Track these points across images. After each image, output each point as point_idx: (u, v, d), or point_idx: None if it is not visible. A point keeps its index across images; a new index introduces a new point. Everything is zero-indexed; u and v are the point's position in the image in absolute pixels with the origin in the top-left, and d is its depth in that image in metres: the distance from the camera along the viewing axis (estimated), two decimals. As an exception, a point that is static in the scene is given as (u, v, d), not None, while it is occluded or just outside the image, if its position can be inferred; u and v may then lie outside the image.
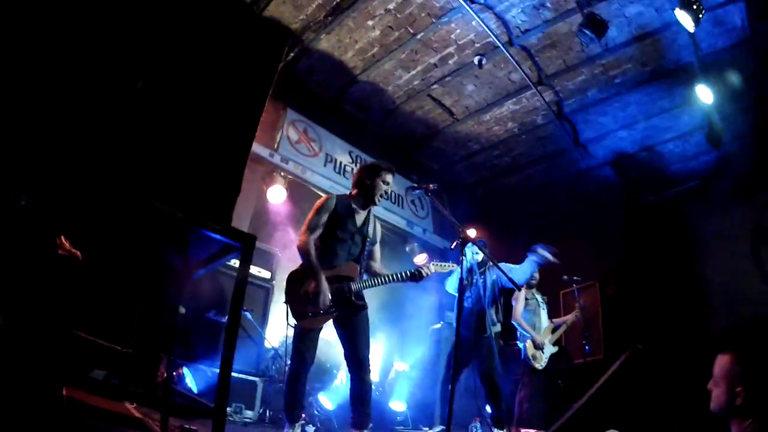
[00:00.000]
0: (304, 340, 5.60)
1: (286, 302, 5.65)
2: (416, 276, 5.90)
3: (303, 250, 5.65)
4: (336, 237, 5.83)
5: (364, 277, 5.93)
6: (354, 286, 5.70)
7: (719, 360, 2.99)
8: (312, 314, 5.51)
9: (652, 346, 8.50)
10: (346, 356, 5.72)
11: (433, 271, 6.04)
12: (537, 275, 9.52)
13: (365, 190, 6.05)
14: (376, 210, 6.44)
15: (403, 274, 5.95)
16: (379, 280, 5.87)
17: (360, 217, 6.03)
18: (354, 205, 6.02)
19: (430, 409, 10.46)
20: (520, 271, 7.84)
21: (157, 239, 3.30)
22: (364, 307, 5.83)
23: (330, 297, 5.52)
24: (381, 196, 6.06)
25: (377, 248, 6.29)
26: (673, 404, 7.77)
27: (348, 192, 6.27)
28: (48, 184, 2.67)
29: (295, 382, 5.54)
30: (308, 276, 5.61)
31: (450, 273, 7.24)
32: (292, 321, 5.61)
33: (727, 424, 3.00)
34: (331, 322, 5.76)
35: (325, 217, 5.84)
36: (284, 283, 5.81)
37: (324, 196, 6.33)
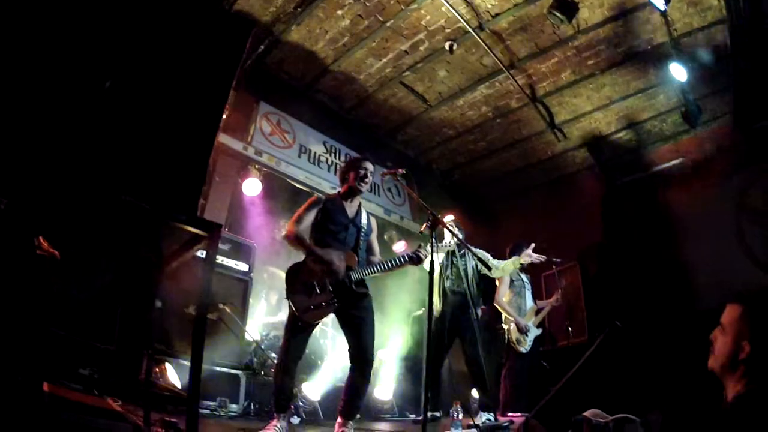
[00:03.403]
0: (299, 334, 5.63)
1: (287, 297, 5.64)
2: (414, 259, 5.94)
3: (291, 237, 5.74)
4: (329, 230, 5.90)
5: (364, 265, 5.95)
6: (354, 275, 5.72)
7: (729, 309, 2.95)
8: (314, 307, 5.52)
9: (635, 325, 8.56)
10: (350, 350, 5.73)
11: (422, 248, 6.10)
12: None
13: (346, 182, 6.18)
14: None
15: (402, 258, 6.00)
16: (379, 268, 5.91)
17: (351, 209, 6.12)
18: (342, 200, 6.13)
19: (416, 397, 10.48)
20: (501, 267, 8.00)
21: (128, 232, 3.30)
22: (366, 294, 5.86)
23: (343, 266, 5.65)
24: (364, 182, 6.14)
25: (374, 240, 6.38)
26: (656, 381, 7.82)
27: (336, 191, 6.37)
28: (23, 186, 2.65)
29: (284, 375, 5.55)
30: (308, 266, 5.67)
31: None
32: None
33: (716, 389, 2.99)
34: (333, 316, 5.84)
35: (313, 212, 5.95)
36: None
37: (315, 195, 6.40)
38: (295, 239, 5.71)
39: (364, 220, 6.16)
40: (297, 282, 5.62)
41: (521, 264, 8.25)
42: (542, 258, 8.22)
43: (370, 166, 6.23)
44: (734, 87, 9.65)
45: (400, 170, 5.88)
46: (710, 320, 3.10)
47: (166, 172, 2.87)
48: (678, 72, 8.66)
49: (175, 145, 2.94)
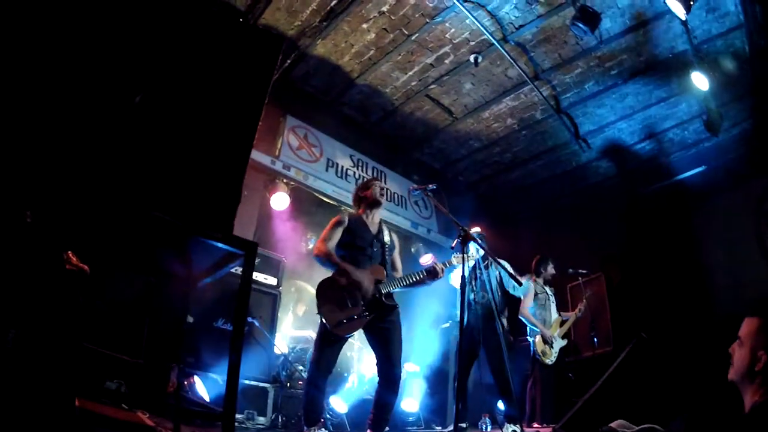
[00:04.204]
0: (329, 348, 5.70)
1: (319, 312, 5.69)
2: (432, 272, 6.05)
3: (322, 255, 5.83)
4: (356, 246, 6.02)
5: (391, 279, 6.04)
6: (383, 288, 5.82)
7: (747, 322, 2.99)
8: (346, 320, 5.58)
9: (659, 334, 8.54)
10: (379, 362, 5.81)
11: (449, 264, 6.29)
12: (551, 269, 9.58)
13: (365, 200, 6.37)
14: (380, 212, 6.58)
15: (421, 273, 6.09)
16: (404, 282, 6.01)
17: (373, 227, 6.26)
18: (364, 218, 6.27)
19: (442, 409, 10.48)
20: (522, 288, 8.14)
21: (161, 250, 3.33)
22: (395, 307, 5.94)
23: (373, 280, 5.75)
24: (381, 194, 6.34)
25: (397, 257, 6.51)
26: (681, 390, 7.79)
27: (356, 210, 6.51)
28: (53, 200, 2.70)
29: (314, 389, 5.64)
30: (338, 281, 5.72)
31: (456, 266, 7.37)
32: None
33: (740, 398, 3.01)
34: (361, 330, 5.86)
35: (339, 230, 6.06)
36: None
37: (338, 214, 6.49)
38: (325, 257, 5.79)
39: (386, 237, 6.28)
40: (328, 296, 5.67)
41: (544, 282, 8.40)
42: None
43: (380, 182, 6.50)
44: (753, 92, 9.61)
45: (430, 185, 5.94)
46: (732, 327, 3.13)
47: (201, 190, 2.91)
48: (700, 81, 8.62)
49: (210, 162, 2.97)
